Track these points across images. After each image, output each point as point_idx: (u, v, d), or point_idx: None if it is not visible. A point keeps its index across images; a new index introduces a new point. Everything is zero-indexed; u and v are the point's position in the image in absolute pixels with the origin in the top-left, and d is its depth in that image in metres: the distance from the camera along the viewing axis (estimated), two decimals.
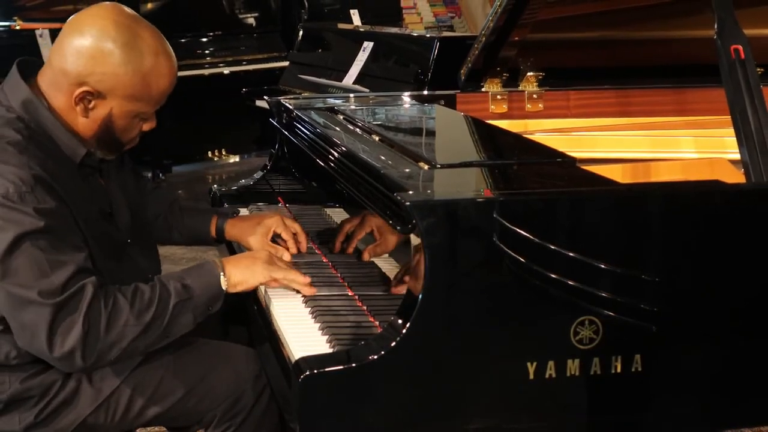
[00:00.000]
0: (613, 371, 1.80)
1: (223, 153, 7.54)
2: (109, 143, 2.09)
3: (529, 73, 3.00)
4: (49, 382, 2.05)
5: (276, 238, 2.39)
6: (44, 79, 2.05)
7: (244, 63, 7.40)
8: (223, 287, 2.04)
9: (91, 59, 1.98)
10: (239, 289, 2.08)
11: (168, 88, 2.08)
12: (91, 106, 2.01)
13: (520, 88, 3.02)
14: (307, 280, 2.12)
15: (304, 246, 2.38)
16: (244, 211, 2.82)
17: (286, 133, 2.80)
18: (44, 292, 1.86)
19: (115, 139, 2.09)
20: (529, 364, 1.76)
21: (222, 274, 2.04)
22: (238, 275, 2.07)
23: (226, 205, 2.86)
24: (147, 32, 2.04)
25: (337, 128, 2.54)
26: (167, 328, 1.96)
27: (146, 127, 2.13)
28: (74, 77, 1.99)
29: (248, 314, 2.31)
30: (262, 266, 2.10)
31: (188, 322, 1.99)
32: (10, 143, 1.94)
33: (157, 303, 1.94)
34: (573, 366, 1.78)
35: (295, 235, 2.38)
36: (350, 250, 2.40)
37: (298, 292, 2.13)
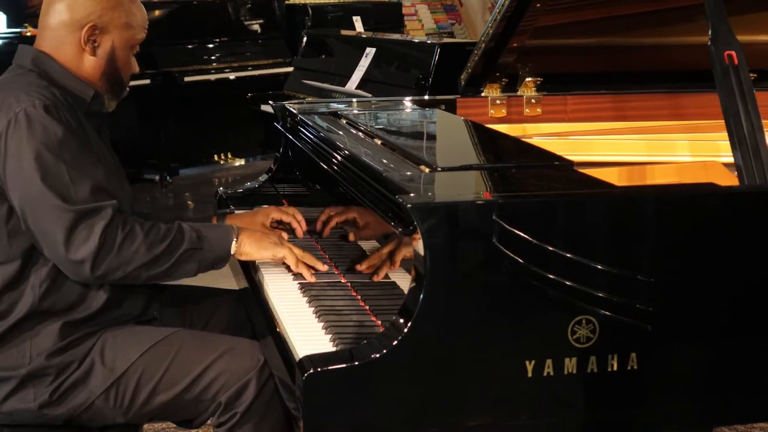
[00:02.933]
0: (609, 369, 1.80)
1: (229, 156, 7.54)
2: (114, 80, 2.25)
3: (527, 79, 3.00)
4: (68, 361, 2.11)
5: (277, 225, 2.46)
6: (44, 42, 2.22)
7: (250, 68, 7.40)
8: (232, 251, 2.16)
9: (84, 1, 2.18)
10: (245, 258, 2.22)
11: (144, 16, 2.29)
12: (97, 43, 2.20)
13: (518, 93, 3.02)
14: (316, 264, 2.21)
15: (304, 225, 2.47)
16: None
17: (290, 137, 2.80)
18: (67, 198, 2.01)
19: (119, 74, 2.25)
20: (527, 363, 1.76)
21: (235, 240, 2.16)
22: (247, 246, 2.19)
23: (232, 207, 2.87)
24: None
25: (340, 132, 2.54)
26: (172, 267, 2.09)
27: (134, 68, 2.30)
28: (77, 22, 2.18)
29: (252, 310, 2.31)
30: (270, 244, 2.21)
31: (192, 269, 2.12)
32: (33, 82, 2.13)
33: (170, 242, 2.08)
34: (570, 364, 1.78)
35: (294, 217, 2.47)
36: (326, 232, 2.50)
37: (303, 290, 2.14)
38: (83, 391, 2.11)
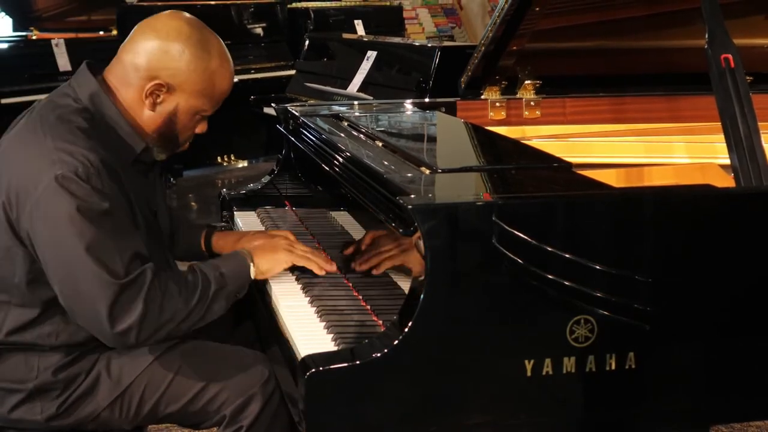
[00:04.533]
0: (607, 368, 1.80)
1: (232, 158, 7.54)
2: (168, 139, 2.15)
3: (526, 81, 3.00)
4: (74, 374, 2.08)
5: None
6: (113, 75, 2.10)
7: (253, 72, 7.39)
8: (252, 276, 2.13)
9: (165, 54, 2.05)
10: (266, 276, 2.18)
11: (228, 89, 2.17)
12: (159, 100, 2.08)
13: (518, 95, 3.02)
14: (327, 261, 2.20)
15: None
16: (251, 215, 2.83)
17: (292, 139, 2.80)
18: (112, 271, 1.90)
19: (175, 135, 2.15)
20: (526, 362, 1.76)
21: (251, 264, 2.12)
22: (264, 264, 2.16)
23: (235, 209, 2.87)
24: (214, 36, 2.17)
25: (342, 134, 2.54)
26: (206, 312, 2.02)
27: (199, 129, 2.20)
28: (146, 71, 2.05)
29: (256, 314, 2.31)
30: (284, 254, 2.19)
31: (222, 307, 2.06)
32: (79, 128, 2.00)
33: (200, 289, 2.01)
34: (569, 363, 1.78)
35: None
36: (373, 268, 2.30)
37: (305, 290, 2.13)
38: (90, 404, 2.09)
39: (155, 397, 2.10)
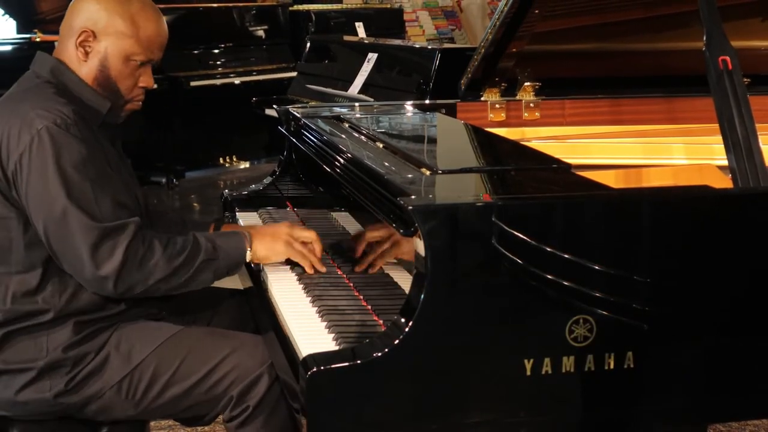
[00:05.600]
0: (606, 368, 1.80)
1: (234, 159, 7.54)
2: (110, 90, 2.20)
3: (526, 83, 3.00)
4: (84, 352, 2.12)
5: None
6: (61, 51, 2.22)
7: (254, 73, 7.40)
8: (247, 259, 2.18)
9: (88, 7, 2.19)
10: (261, 262, 2.23)
11: (156, 32, 2.22)
12: (89, 48, 2.18)
13: (517, 97, 3.02)
14: (319, 266, 2.22)
15: None
16: (253, 215, 2.83)
17: (294, 140, 2.80)
18: (94, 215, 2.00)
19: (113, 83, 2.19)
20: (526, 361, 1.76)
21: (249, 247, 2.17)
22: (261, 251, 2.20)
23: (237, 210, 2.87)
24: None
25: (343, 136, 2.54)
26: (189, 278, 2.09)
27: (142, 81, 2.24)
28: (77, 28, 2.18)
29: (257, 313, 2.31)
30: (282, 246, 2.22)
31: (208, 278, 2.13)
32: (49, 93, 2.12)
33: (187, 254, 2.07)
34: (568, 363, 1.78)
35: None
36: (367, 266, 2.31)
37: (306, 289, 2.14)
38: (98, 381, 2.12)
39: (164, 378, 2.13)
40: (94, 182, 2.03)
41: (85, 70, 2.18)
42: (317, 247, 2.25)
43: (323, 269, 2.23)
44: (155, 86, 2.29)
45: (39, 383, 2.11)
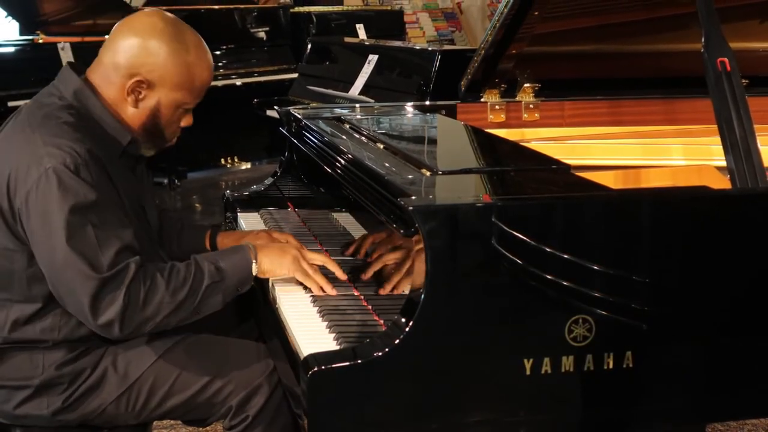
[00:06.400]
0: (605, 367, 1.80)
1: (236, 160, 7.55)
2: (154, 135, 2.15)
3: (525, 85, 3.00)
4: (80, 369, 2.08)
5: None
6: (95, 74, 2.11)
7: (256, 75, 7.40)
8: (254, 273, 2.09)
9: (143, 51, 2.06)
10: (266, 276, 2.14)
11: (208, 80, 2.16)
12: (141, 96, 2.08)
13: (517, 98, 3.02)
14: (326, 286, 2.12)
15: None
16: (254, 216, 2.83)
17: (295, 141, 2.80)
18: (93, 265, 1.91)
19: (160, 130, 2.14)
20: (525, 361, 1.76)
21: (254, 261, 2.09)
22: (267, 264, 2.12)
23: (238, 210, 2.87)
24: (189, 30, 2.16)
25: (344, 137, 2.54)
26: (198, 306, 2.01)
27: (184, 122, 2.19)
28: (126, 69, 2.06)
29: (258, 312, 2.31)
30: (289, 262, 2.14)
31: (218, 302, 2.04)
32: (66, 123, 2.02)
33: (191, 283, 1.99)
34: (567, 362, 1.78)
35: None
36: (361, 254, 2.34)
37: (307, 289, 2.13)
38: (96, 398, 2.09)
39: (162, 391, 2.11)
40: (99, 228, 1.93)
41: (132, 113, 2.10)
42: (331, 266, 2.16)
43: (333, 292, 2.12)
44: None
45: (36, 400, 2.08)
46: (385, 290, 2.09)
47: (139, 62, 2.06)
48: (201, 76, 2.13)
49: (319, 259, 2.18)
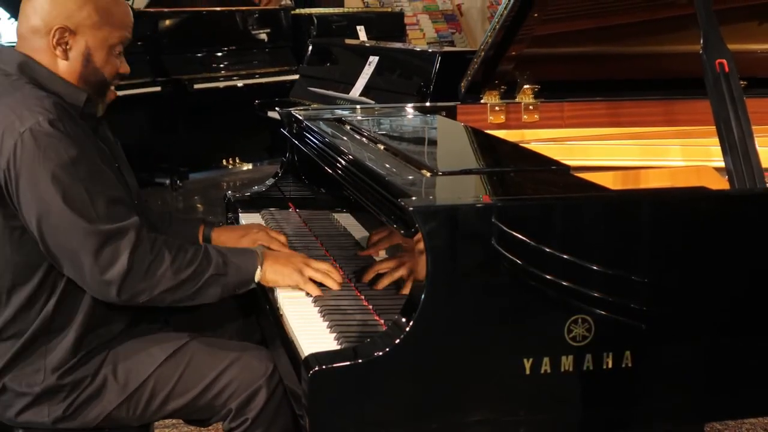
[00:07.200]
0: (604, 367, 1.80)
1: (237, 161, 7.55)
2: (95, 82, 2.11)
3: (525, 86, 3.00)
4: (80, 377, 2.08)
5: None
6: (23, 48, 2.08)
7: (257, 76, 7.41)
8: (256, 279, 2.10)
9: (51, 3, 2.04)
10: (269, 284, 2.14)
11: (125, 10, 2.13)
12: (68, 46, 2.06)
13: (517, 99, 3.02)
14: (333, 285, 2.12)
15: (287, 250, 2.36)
16: (255, 216, 2.83)
17: (296, 142, 2.80)
18: (89, 218, 1.92)
19: (100, 75, 2.10)
20: (525, 360, 1.76)
21: (260, 267, 2.10)
22: (271, 273, 2.12)
23: (240, 210, 2.87)
24: None
25: (344, 138, 2.54)
26: (196, 292, 2.02)
27: (122, 69, 2.15)
28: (44, 26, 2.04)
29: (260, 312, 2.31)
30: (295, 274, 2.12)
31: (216, 294, 2.06)
32: (26, 90, 2.00)
33: (196, 267, 2.01)
34: (567, 362, 1.78)
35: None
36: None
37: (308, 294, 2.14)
38: (97, 407, 2.09)
39: (162, 394, 2.11)
40: (87, 181, 1.94)
41: (66, 66, 2.06)
42: (335, 276, 2.15)
43: (336, 287, 2.11)
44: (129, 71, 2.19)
45: (37, 408, 2.08)
46: (381, 285, 2.10)
47: (53, 15, 2.04)
48: (117, 9, 2.10)
49: (324, 268, 2.16)
